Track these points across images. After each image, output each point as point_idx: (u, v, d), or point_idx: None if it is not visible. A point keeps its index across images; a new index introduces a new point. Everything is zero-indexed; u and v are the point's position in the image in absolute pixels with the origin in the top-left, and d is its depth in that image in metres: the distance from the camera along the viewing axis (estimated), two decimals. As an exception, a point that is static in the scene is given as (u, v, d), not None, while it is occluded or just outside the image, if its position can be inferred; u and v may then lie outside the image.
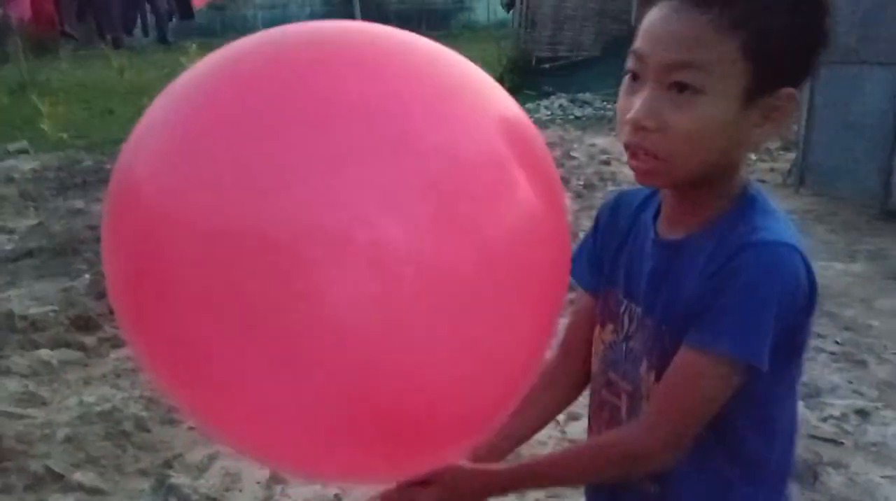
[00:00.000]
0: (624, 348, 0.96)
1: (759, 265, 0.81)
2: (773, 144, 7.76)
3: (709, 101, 0.78)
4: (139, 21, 5.89)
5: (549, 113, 10.64)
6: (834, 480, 2.32)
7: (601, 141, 8.29)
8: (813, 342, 3.26)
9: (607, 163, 7.17)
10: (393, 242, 0.63)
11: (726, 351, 0.81)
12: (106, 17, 5.50)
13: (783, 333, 0.82)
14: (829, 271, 4.19)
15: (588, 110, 10.79)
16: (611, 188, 6.33)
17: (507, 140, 0.72)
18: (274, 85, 0.66)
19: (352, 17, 12.92)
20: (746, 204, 0.87)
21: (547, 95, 11.63)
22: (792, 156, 6.38)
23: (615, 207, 1.04)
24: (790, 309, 0.82)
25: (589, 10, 13.14)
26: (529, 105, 10.97)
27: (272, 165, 0.62)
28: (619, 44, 13.01)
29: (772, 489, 0.93)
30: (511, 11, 14.22)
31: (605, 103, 10.93)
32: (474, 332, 0.68)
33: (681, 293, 0.87)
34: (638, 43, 0.82)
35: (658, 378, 0.89)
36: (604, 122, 9.72)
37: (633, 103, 0.81)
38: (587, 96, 11.42)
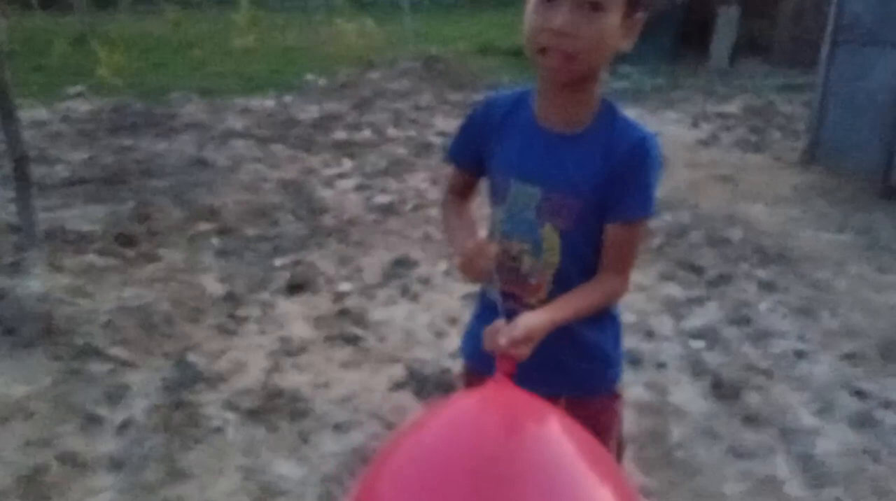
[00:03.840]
0: (518, 218, 1.30)
1: (653, 152, 1.23)
2: (800, 125, 7.91)
3: (608, 17, 1.12)
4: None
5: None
6: (753, 399, 2.66)
7: (631, 112, 8.44)
8: (776, 295, 3.57)
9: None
10: None
11: (649, 215, 1.25)
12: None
13: None
14: (815, 239, 4.45)
15: (625, 83, 10.94)
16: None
17: None
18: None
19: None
20: (611, 106, 1.26)
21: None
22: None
23: (487, 107, 1.36)
24: None
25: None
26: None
27: None
28: (662, 18, 13.05)
29: None
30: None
31: (642, 76, 11.12)
32: None
33: (585, 174, 1.23)
34: None
35: (562, 235, 1.27)
36: (638, 95, 9.88)
37: (551, 17, 1.11)
38: (626, 69, 11.57)
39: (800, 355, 2.99)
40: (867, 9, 5.52)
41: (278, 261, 3.85)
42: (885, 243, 4.36)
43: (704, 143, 7.08)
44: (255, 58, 11.23)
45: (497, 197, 1.35)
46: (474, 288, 1.49)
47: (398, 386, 2.73)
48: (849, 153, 5.71)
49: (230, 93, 8.59)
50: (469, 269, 1.21)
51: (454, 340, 3.07)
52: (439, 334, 3.15)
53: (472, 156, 1.39)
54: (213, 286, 3.53)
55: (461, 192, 1.46)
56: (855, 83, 5.65)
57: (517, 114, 1.32)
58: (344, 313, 3.29)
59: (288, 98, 8.40)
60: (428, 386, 2.71)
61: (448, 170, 1.50)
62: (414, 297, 3.51)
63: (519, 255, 1.31)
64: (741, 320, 3.29)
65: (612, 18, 1.12)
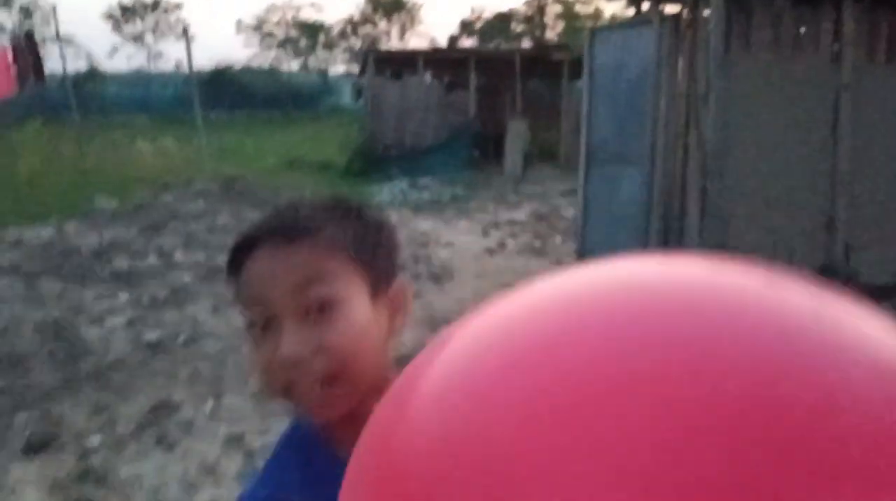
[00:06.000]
0: None
1: None
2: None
3: (348, 305, 0.77)
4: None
5: (390, 196, 11.20)
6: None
7: (427, 224, 8.87)
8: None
9: (425, 244, 7.69)
10: None
11: None
12: None
13: None
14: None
15: (425, 194, 11.44)
16: (422, 268, 6.81)
17: None
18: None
19: (213, 96, 13.17)
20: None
21: (391, 179, 12.26)
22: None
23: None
24: None
25: (431, 102, 14.08)
26: (374, 188, 11.59)
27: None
28: (459, 133, 13.95)
29: None
30: (360, 100, 15.02)
31: (441, 187, 11.69)
32: None
33: None
34: (249, 294, 0.77)
35: None
36: (436, 206, 10.36)
37: (273, 349, 0.75)
38: (426, 181, 12.13)
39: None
40: (611, 133, 6.21)
41: (20, 417, 3.53)
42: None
43: (492, 252, 7.49)
44: (43, 181, 10.62)
45: None
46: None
47: (129, 555, 2.54)
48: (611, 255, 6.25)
49: (5, 223, 8.02)
50: None
51: (207, 492, 2.93)
52: (191, 487, 2.99)
53: None
54: (-65, 456, 3.17)
55: None
56: (609, 195, 6.27)
57: (313, 468, 0.81)
58: (86, 473, 3.05)
59: (70, 225, 7.97)
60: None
61: None
62: (170, 447, 3.32)
63: None
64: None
65: (357, 307, 0.78)
